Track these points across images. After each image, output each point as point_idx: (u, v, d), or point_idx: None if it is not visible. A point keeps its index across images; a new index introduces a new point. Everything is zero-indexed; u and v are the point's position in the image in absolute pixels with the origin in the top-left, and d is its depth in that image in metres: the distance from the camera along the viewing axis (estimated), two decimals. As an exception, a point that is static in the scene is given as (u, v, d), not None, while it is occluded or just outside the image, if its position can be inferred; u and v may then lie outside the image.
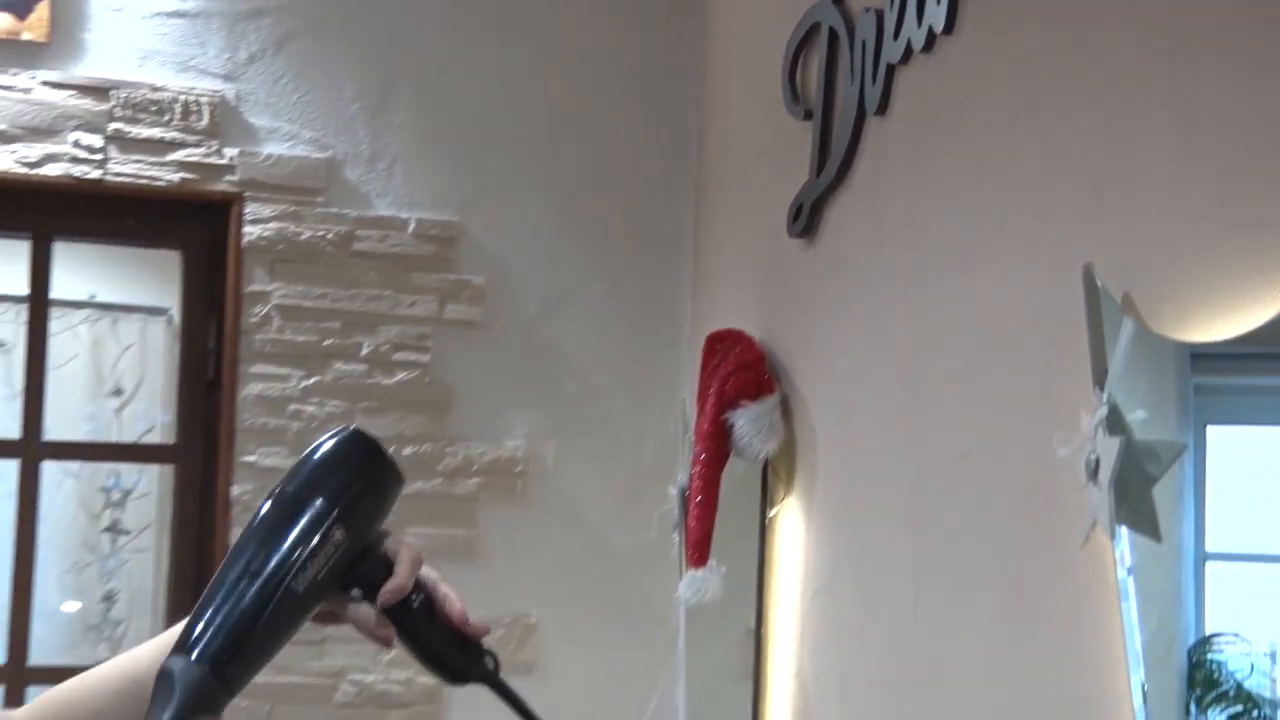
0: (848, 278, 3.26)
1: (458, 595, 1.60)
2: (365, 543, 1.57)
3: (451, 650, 1.61)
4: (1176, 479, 2.05)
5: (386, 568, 1.55)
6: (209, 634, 1.47)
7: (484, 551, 4.13)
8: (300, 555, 1.50)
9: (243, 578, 1.50)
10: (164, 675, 1.45)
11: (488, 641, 1.62)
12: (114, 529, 5.70)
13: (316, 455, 1.58)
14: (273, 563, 1.50)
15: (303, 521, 1.52)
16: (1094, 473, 2.08)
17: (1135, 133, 2.23)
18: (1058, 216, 2.44)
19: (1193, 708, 2.04)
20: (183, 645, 1.45)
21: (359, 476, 1.58)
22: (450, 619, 1.60)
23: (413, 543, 1.56)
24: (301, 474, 1.56)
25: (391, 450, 1.64)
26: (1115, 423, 2.06)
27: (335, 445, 1.59)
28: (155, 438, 5.61)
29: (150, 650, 1.42)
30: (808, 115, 3.40)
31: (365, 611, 1.55)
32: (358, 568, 1.56)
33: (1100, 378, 2.13)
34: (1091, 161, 2.37)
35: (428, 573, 1.59)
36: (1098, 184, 2.35)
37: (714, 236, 4.21)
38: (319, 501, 1.53)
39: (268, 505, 1.54)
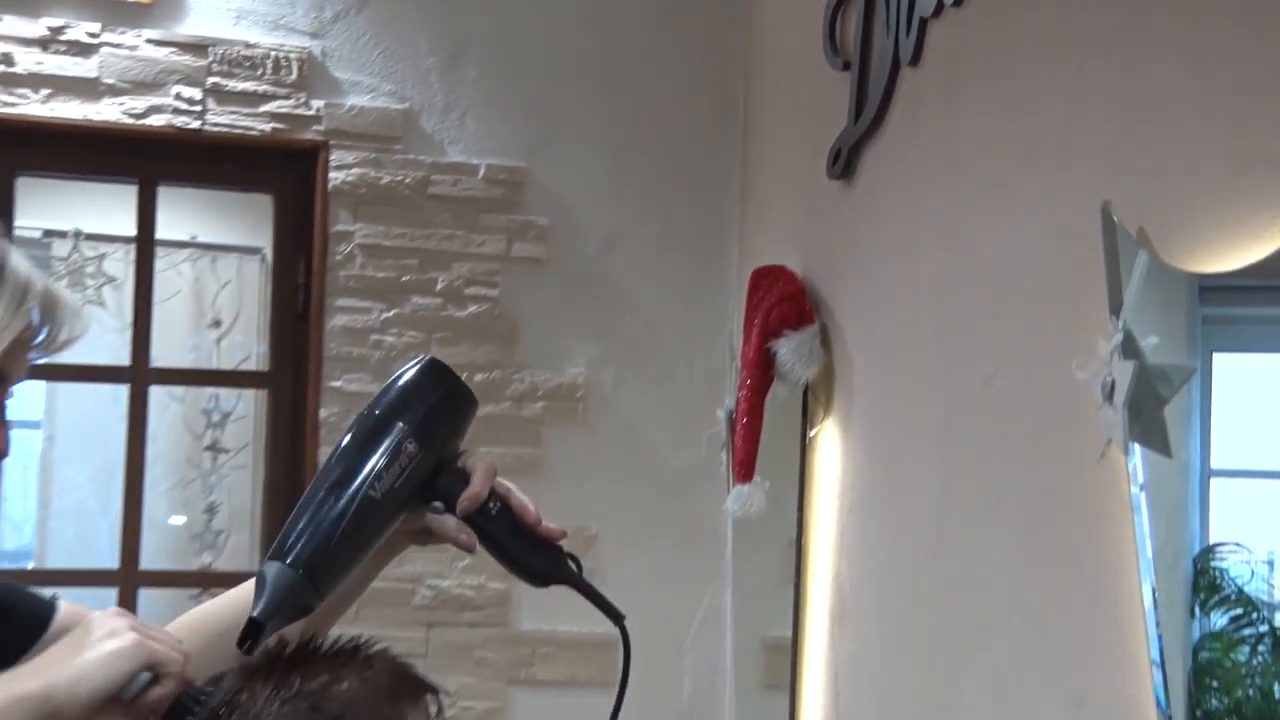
0: (882, 216, 3.25)
1: (532, 503, 1.63)
2: (441, 458, 1.59)
3: (531, 553, 1.64)
4: (1185, 401, 2.05)
5: (464, 480, 1.58)
6: (298, 541, 1.50)
7: (548, 469, 4.15)
8: (376, 466, 1.53)
9: (328, 490, 1.53)
10: (260, 579, 1.48)
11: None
12: (214, 448, 5.74)
13: (396, 381, 1.62)
14: (353, 474, 1.52)
15: (380, 438, 1.55)
16: (1109, 394, 2.08)
17: (1152, 80, 2.21)
18: (1078, 158, 2.43)
19: (1197, 610, 2.05)
20: (276, 552, 1.48)
21: (431, 398, 1.61)
22: (526, 524, 1.62)
23: (487, 456, 1.58)
24: (382, 398, 1.60)
25: (464, 376, 1.65)
26: (1130, 348, 2.06)
27: (413, 372, 1.63)
28: (251, 365, 5.65)
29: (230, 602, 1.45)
30: (846, 66, 3.37)
31: (447, 520, 1.58)
32: (437, 482, 1.58)
33: (1116, 307, 2.13)
34: (1110, 107, 2.35)
35: (502, 483, 1.61)
36: (1116, 128, 2.34)
37: (759, 179, 4.19)
38: (395, 420, 1.56)
39: (352, 427, 1.58)
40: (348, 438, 1.56)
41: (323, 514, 1.51)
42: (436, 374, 1.63)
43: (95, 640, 1.37)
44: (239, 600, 1.72)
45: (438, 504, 1.58)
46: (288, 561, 1.47)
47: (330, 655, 1.49)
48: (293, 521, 1.51)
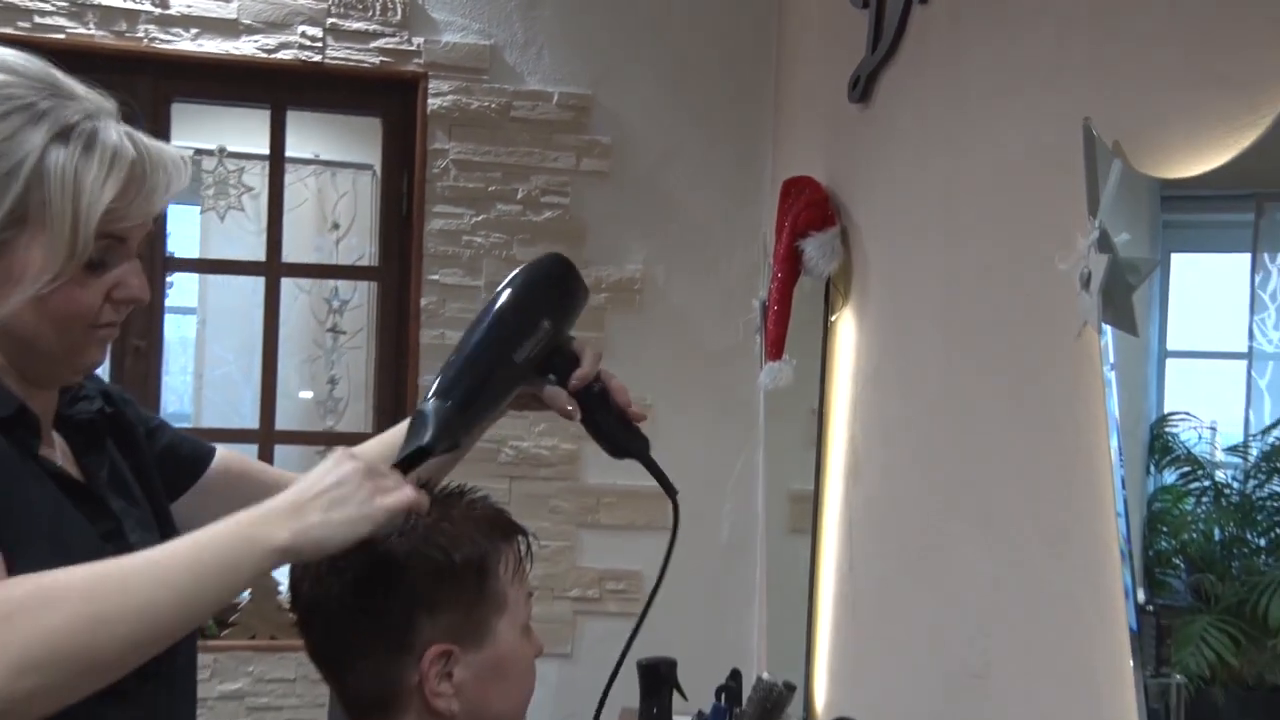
0: (894, 134, 3.24)
1: (625, 389, 1.66)
2: (561, 338, 1.62)
3: (617, 429, 1.67)
4: (1148, 291, 2.08)
5: (575, 361, 1.62)
6: (454, 386, 1.51)
7: (609, 350, 4.14)
8: (519, 338, 1.56)
9: (480, 349, 1.54)
10: (419, 415, 1.49)
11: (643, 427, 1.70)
12: (334, 330, 5.80)
13: (534, 269, 1.63)
14: (501, 341, 1.55)
15: (523, 315, 1.58)
16: (1086, 283, 2.09)
17: (1129, 9, 2.21)
18: (1063, 79, 2.43)
19: (1152, 469, 2.07)
20: (439, 394, 1.50)
21: (561, 286, 1.64)
22: (618, 405, 1.66)
23: (594, 345, 1.63)
24: (523, 282, 1.61)
25: None
26: (1105, 243, 2.07)
27: (548, 263, 1.64)
28: (364, 262, 5.69)
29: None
30: (865, 4, 3.35)
31: (559, 392, 1.61)
32: (554, 359, 1.61)
33: (1094, 208, 2.13)
34: (1092, 34, 2.35)
35: (604, 369, 1.65)
36: (1096, 53, 2.34)
37: (789, 104, 4.15)
38: (535, 301, 1.59)
39: (500, 301, 1.58)
40: (495, 310, 1.57)
41: (475, 370, 1.53)
42: (566, 268, 1.64)
43: (353, 498, 1.32)
44: (379, 443, 1.80)
45: (552, 377, 1.61)
46: (448, 403, 1.48)
47: (442, 498, 1.52)
48: (450, 372, 1.52)
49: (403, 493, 1.36)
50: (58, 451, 1.46)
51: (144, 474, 1.58)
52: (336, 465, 1.34)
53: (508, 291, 1.59)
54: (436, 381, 1.52)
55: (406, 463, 1.45)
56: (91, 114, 1.36)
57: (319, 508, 1.30)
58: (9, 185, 1.31)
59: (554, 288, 1.62)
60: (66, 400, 1.50)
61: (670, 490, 1.69)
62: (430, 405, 1.48)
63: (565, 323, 1.62)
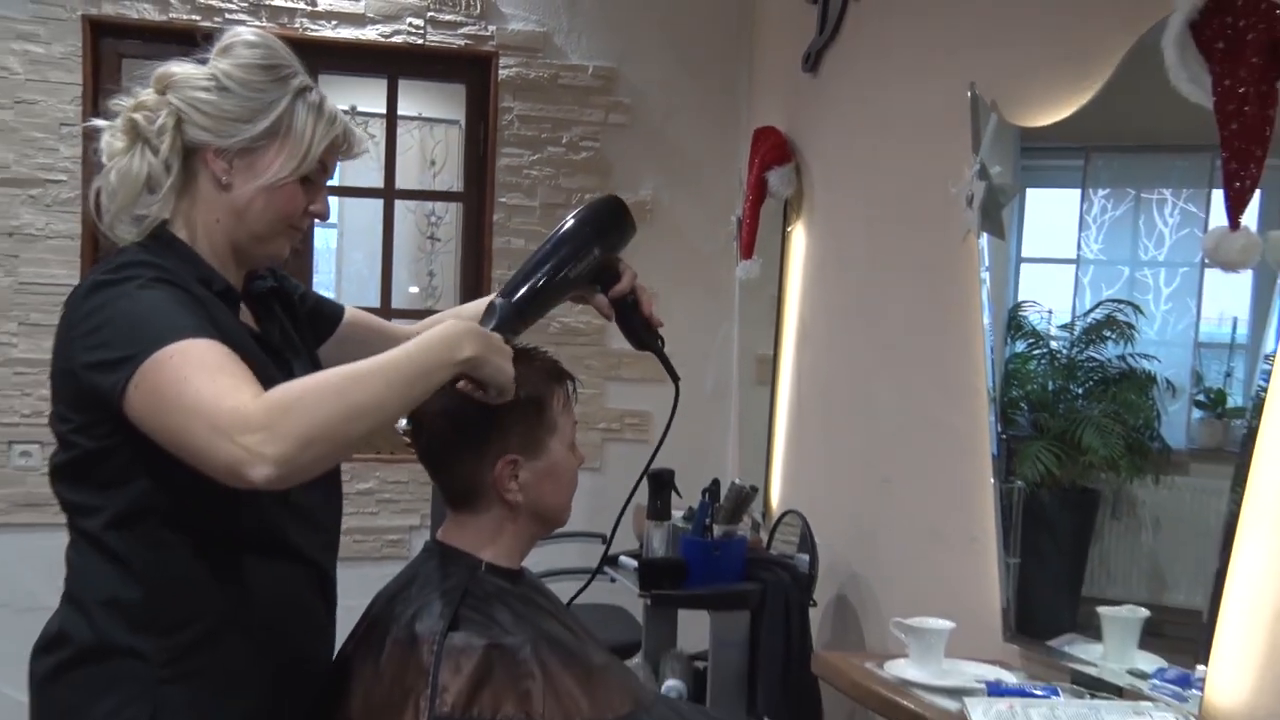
0: (835, 96, 3.19)
1: (651, 300, 1.61)
2: (609, 259, 1.56)
3: (641, 329, 1.61)
4: (1011, 210, 2.06)
5: (617, 278, 1.56)
6: (516, 290, 1.47)
7: (628, 253, 4.11)
8: (572, 259, 1.51)
9: (540, 264, 1.49)
10: (490, 307, 1.47)
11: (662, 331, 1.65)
12: (433, 238, 5.77)
13: (593, 206, 1.56)
14: (558, 261, 1.50)
15: (577, 242, 1.52)
16: (970, 202, 2.10)
17: (1006, 2, 2.22)
18: (958, 55, 2.41)
19: (1010, 337, 2.09)
20: (505, 294, 1.48)
21: (612, 221, 1.56)
22: (644, 312, 1.60)
23: (632, 268, 1.57)
24: (582, 214, 1.54)
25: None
26: (983, 174, 2.07)
27: (602, 202, 1.57)
28: (453, 189, 5.63)
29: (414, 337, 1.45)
30: (814, 0, 3.29)
31: (602, 299, 1.57)
32: (602, 275, 1.56)
33: (976, 148, 2.14)
34: (979, 20, 2.33)
35: (640, 285, 1.59)
36: (981, 35, 2.35)
37: (760, 73, 4.09)
38: (588, 232, 1.52)
39: (564, 229, 1.53)
40: (559, 234, 1.52)
41: (535, 280, 1.48)
42: (616, 206, 1.56)
43: (502, 351, 1.34)
44: (460, 311, 1.76)
45: (599, 287, 1.56)
46: (510, 302, 1.46)
47: (515, 351, 1.47)
48: (517, 278, 1.49)
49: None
50: (249, 317, 1.47)
51: (300, 330, 1.58)
52: (484, 334, 1.33)
53: (571, 222, 1.52)
54: (508, 281, 1.49)
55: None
56: (307, 83, 1.45)
57: (487, 345, 1.31)
58: (271, 112, 1.37)
59: (606, 224, 1.55)
60: (248, 278, 1.50)
61: (674, 377, 1.64)
62: (499, 302, 1.46)
63: (614, 250, 1.56)
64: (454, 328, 1.29)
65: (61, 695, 1.32)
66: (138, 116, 1.38)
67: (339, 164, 1.53)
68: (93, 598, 1.31)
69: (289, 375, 1.36)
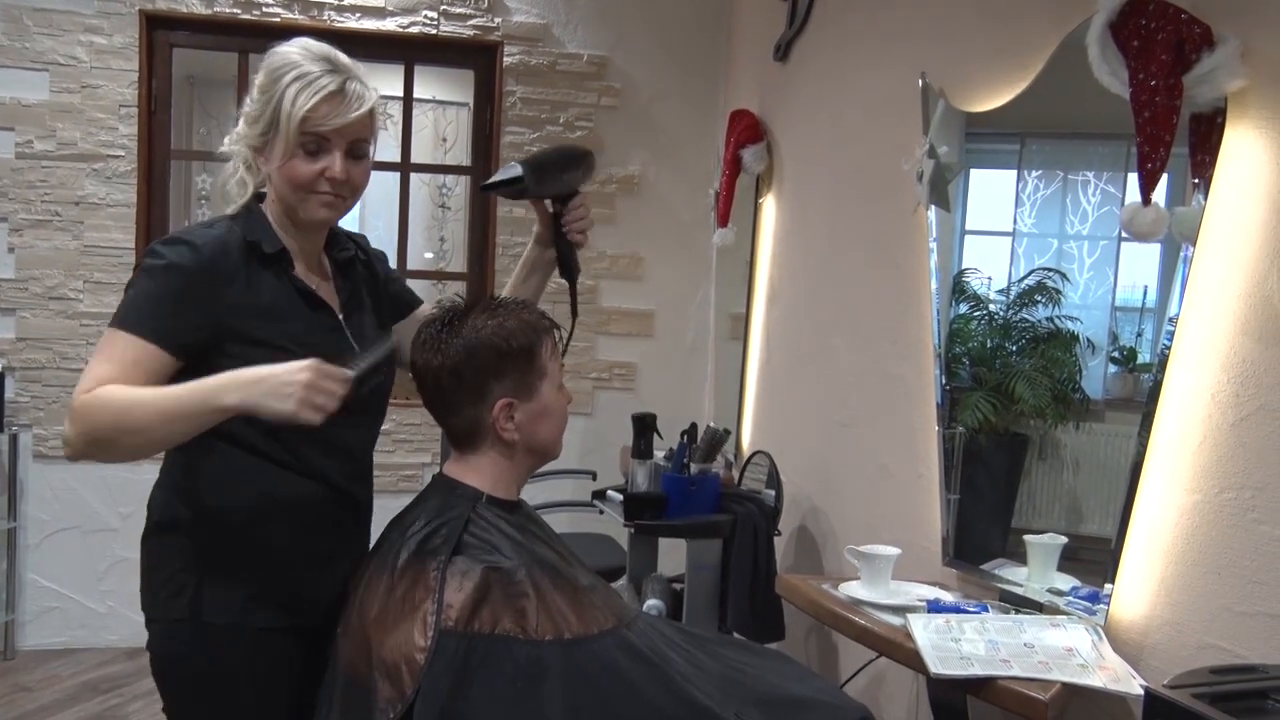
0: (802, 82, 3.17)
1: (586, 234, 1.70)
2: (573, 190, 1.67)
3: (567, 253, 1.69)
4: (956, 187, 2.05)
5: (572, 201, 1.68)
6: (532, 165, 1.58)
7: (618, 221, 4.14)
8: (568, 171, 1.64)
9: (548, 161, 1.62)
10: (510, 165, 1.58)
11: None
12: (444, 207, 5.73)
13: (575, 147, 1.69)
14: (558, 166, 1.63)
15: (573, 164, 1.65)
16: (920, 178, 2.08)
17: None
18: (910, 46, 2.39)
19: (954, 302, 2.08)
20: (522, 162, 1.57)
21: (585, 161, 1.67)
22: (575, 239, 1.69)
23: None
24: (573, 149, 1.67)
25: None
26: (932, 153, 2.06)
27: (581, 148, 1.69)
28: (462, 163, 5.58)
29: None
30: (784, -2, 3.26)
31: (543, 207, 1.69)
32: (568, 198, 1.67)
33: (926, 129, 2.13)
34: (930, 14, 2.31)
35: (577, 224, 1.68)
36: (931, 28, 2.31)
37: (736, 61, 4.06)
38: (579, 167, 1.66)
39: (557, 148, 1.66)
40: (542, 163, 1.61)
41: (541, 163, 1.60)
42: (581, 151, 1.69)
43: (290, 397, 1.29)
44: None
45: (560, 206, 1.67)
46: (525, 162, 1.57)
47: (509, 305, 1.52)
48: (541, 156, 1.62)
49: (324, 405, 1.31)
50: (315, 277, 1.55)
51: (379, 301, 1.68)
52: (298, 371, 1.30)
53: (552, 153, 1.64)
54: (537, 157, 1.61)
55: (501, 187, 1.56)
56: (335, 72, 1.49)
57: (261, 392, 1.29)
58: (268, 108, 1.47)
59: (574, 161, 1.66)
60: (335, 248, 1.62)
61: (574, 312, 1.71)
62: (517, 159, 1.57)
63: (580, 181, 1.67)
64: (221, 381, 1.30)
65: (147, 554, 1.49)
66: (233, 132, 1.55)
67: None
68: (169, 485, 1.49)
69: (333, 322, 1.53)
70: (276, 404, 1.29)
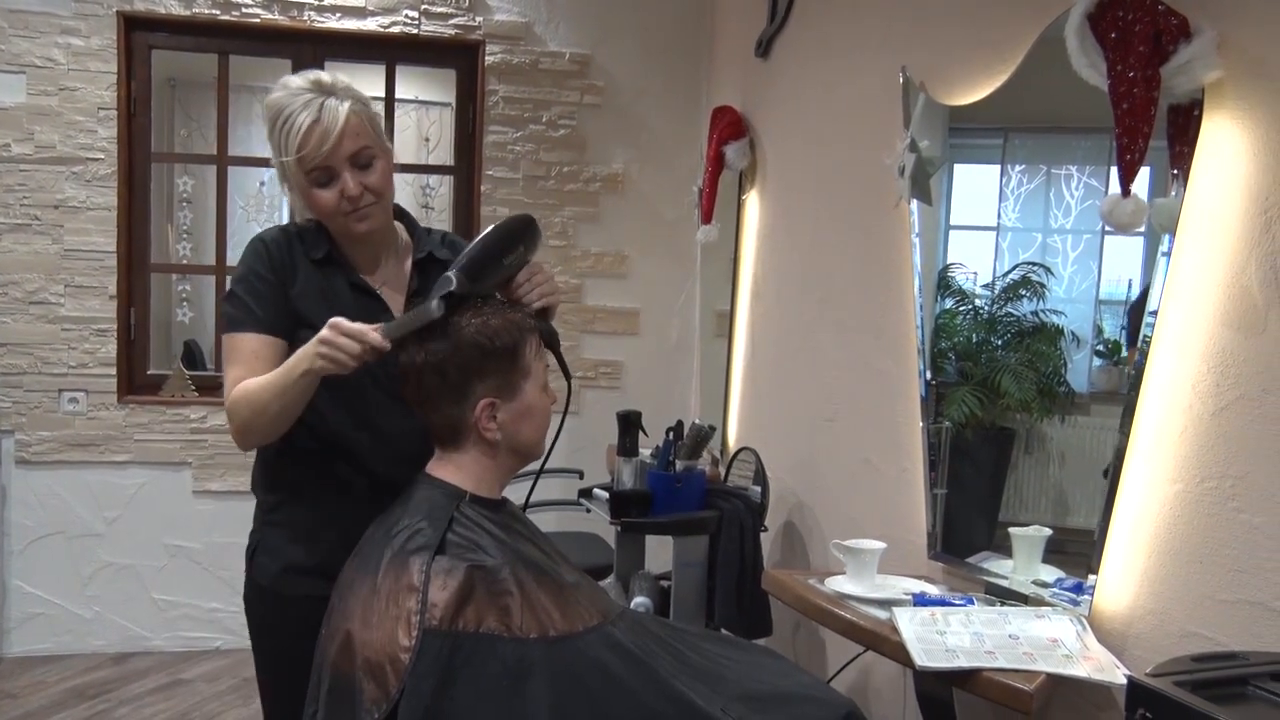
0: (784, 79, 3.17)
1: (541, 293, 1.62)
2: (525, 262, 1.60)
3: (538, 323, 1.60)
4: (939, 181, 2.05)
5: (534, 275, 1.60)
6: (465, 269, 1.50)
7: (601, 219, 4.13)
8: (508, 255, 1.56)
9: (483, 256, 1.53)
10: (444, 278, 1.50)
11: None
12: (428, 207, 5.70)
13: (511, 222, 1.59)
14: (494, 257, 1.55)
15: (509, 246, 1.57)
16: (902, 172, 2.08)
17: None
18: (891, 42, 2.39)
19: (939, 295, 2.08)
20: (455, 268, 1.50)
21: (526, 235, 1.59)
22: (546, 303, 1.62)
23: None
24: (508, 228, 1.57)
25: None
26: (913, 147, 2.06)
27: (519, 219, 1.60)
28: (446, 162, 5.57)
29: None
30: (765, -6, 3.26)
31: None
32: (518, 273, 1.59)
33: (907, 124, 2.13)
34: (912, 11, 2.30)
35: (530, 292, 1.60)
36: (913, 25, 2.31)
37: (719, 58, 4.06)
38: (518, 245, 1.57)
39: (491, 234, 1.56)
40: (488, 242, 1.55)
41: (479, 260, 1.53)
42: (528, 222, 1.60)
43: (311, 351, 1.51)
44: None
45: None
46: (457, 270, 1.50)
47: (495, 305, 1.52)
48: (461, 260, 1.53)
49: (337, 357, 1.47)
50: (379, 275, 1.72)
51: None
52: (322, 330, 1.49)
53: (499, 232, 1.56)
54: (463, 258, 1.52)
55: (445, 298, 1.47)
56: (313, 95, 1.59)
57: (307, 354, 1.50)
58: (276, 161, 1.64)
59: (522, 235, 1.59)
60: (419, 247, 1.77)
61: (567, 376, 1.69)
62: (451, 272, 1.49)
63: (529, 253, 1.60)
64: (296, 354, 1.53)
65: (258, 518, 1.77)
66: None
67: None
68: (258, 458, 1.76)
69: (380, 307, 1.69)
70: (309, 362, 1.50)
